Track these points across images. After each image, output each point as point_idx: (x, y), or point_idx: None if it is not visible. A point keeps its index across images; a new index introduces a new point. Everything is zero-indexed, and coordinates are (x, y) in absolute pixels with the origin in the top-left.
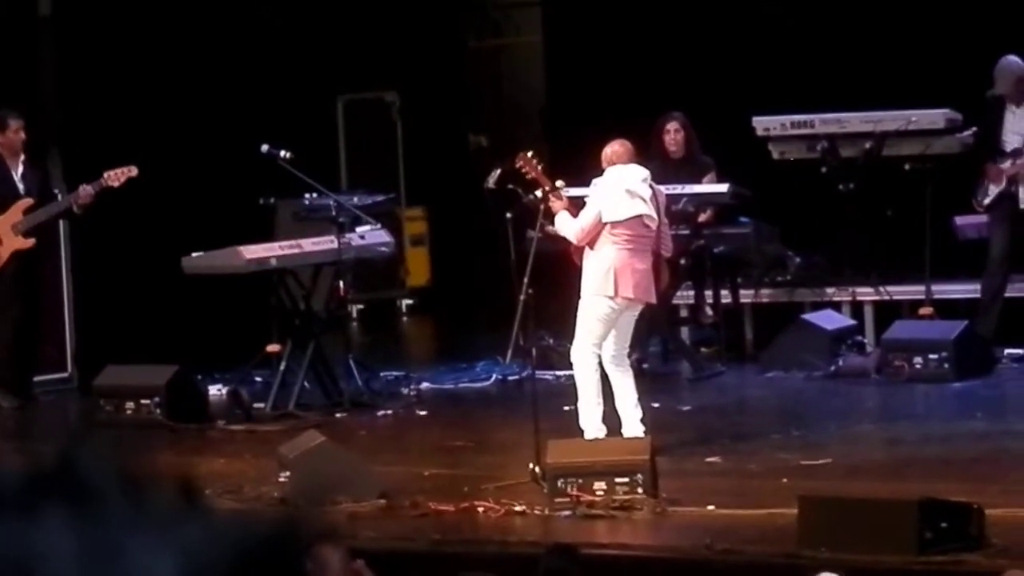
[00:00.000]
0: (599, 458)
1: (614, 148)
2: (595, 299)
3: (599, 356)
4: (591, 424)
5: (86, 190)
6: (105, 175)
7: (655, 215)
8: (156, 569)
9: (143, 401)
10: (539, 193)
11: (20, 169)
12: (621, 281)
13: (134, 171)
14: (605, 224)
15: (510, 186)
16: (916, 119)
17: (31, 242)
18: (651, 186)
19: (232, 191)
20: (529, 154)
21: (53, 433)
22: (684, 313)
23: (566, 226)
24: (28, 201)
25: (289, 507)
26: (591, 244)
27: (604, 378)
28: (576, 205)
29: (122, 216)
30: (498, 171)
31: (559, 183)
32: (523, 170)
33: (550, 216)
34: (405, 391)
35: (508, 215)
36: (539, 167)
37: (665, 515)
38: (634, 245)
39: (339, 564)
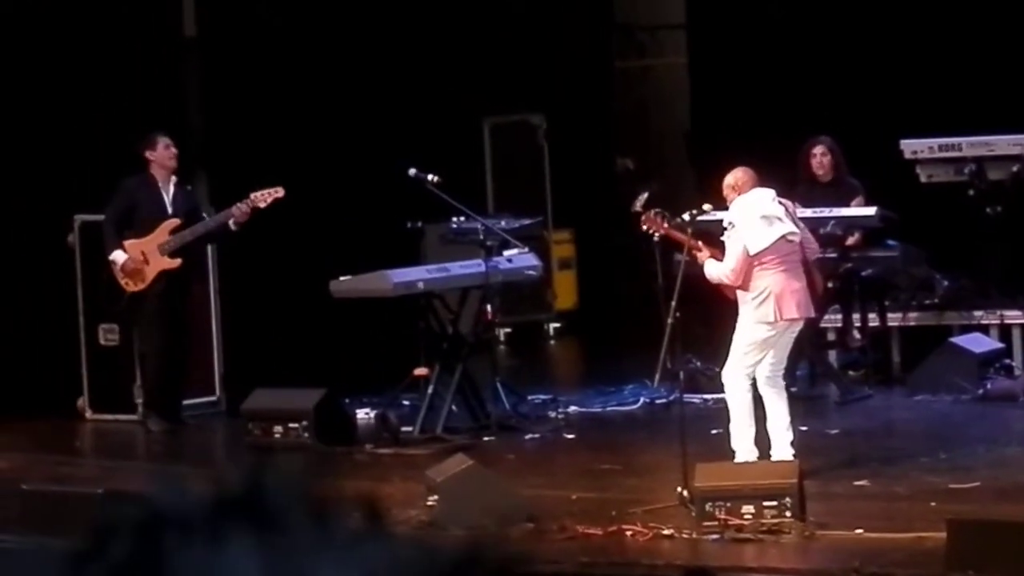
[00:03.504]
0: (747, 481)
1: (737, 176)
2: (755, 326)
3: (752, 378)
4: (743, 446)
5: (241, 208)
6: (252, 196)
7: (795, 228)
8: None
9: (291, 424)
10: (687, 216)
11: (172, 190)
12: (783, 305)
13: (281, 192)
14: (753, 256)
15: (657, 209)
16: None
17: (177, 262)
18: (780, 202)
19: (379, 214)
20: (652, 212)
21: (206, 458)
22: (831, 336)
23: (717, 273)
24: (175, 221)
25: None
26: (745, 278)
27: (756, 400)
28: (715, 234)
29: (270, 239)
30: (645, 194)
31: (706, 206)
32: (650, 231)
33: (698, 240)
34: (553, 414)
35: (655, 238)
36: (665, 224)
37: (813, 538)
38: (786, 265)
39: None
